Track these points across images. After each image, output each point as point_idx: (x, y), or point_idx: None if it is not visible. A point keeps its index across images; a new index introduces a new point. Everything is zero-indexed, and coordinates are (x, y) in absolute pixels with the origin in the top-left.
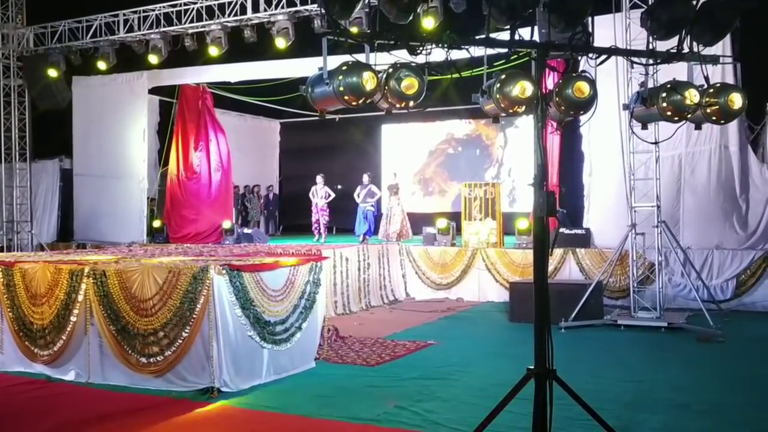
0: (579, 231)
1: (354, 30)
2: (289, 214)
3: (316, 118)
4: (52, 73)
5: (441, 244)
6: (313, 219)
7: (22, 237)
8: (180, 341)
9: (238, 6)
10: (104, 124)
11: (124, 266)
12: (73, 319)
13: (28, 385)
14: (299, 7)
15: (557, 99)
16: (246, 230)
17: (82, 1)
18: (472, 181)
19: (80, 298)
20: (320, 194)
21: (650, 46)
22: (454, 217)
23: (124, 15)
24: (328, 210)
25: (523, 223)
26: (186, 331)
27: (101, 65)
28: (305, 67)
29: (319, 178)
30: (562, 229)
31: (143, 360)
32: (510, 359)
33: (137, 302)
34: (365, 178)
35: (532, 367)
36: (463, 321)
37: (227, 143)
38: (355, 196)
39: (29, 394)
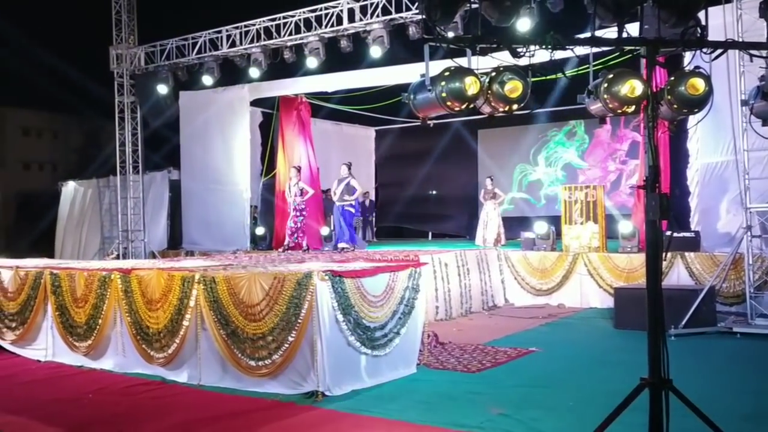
0: (688, 234)
1: (451, 35)
2: (385, 221)
3: (411, 124)
4: (162, 89)
5: (540, 249)
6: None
7: (136, 245)
8: (286, 345)
9: (334, 17)
10: (209, 136)
11: (232, 273)
12: (185, 323)
13: (145, 386)
14: (394, 15)
15: (669, 97)
16: None
17: (188, 20)
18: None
19: (192, 303)
20: (293, 192)
21: None
22: (553, 221)
23: (227, 31)
24: (304, 211)
25: (626, 227)
26: (292, 335)
27: (206, 80)
28: (400, 74)
29: (293, 171)
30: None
31: (252, 363)
32: (617, 367)
33: (245, 307)
34: (343, 169)
35: (646, 377)
36: (566, 328)
37: (314, 151)
38: (332, 193)
39: (146, 395)
